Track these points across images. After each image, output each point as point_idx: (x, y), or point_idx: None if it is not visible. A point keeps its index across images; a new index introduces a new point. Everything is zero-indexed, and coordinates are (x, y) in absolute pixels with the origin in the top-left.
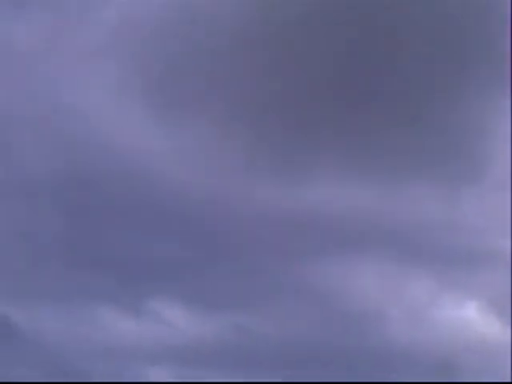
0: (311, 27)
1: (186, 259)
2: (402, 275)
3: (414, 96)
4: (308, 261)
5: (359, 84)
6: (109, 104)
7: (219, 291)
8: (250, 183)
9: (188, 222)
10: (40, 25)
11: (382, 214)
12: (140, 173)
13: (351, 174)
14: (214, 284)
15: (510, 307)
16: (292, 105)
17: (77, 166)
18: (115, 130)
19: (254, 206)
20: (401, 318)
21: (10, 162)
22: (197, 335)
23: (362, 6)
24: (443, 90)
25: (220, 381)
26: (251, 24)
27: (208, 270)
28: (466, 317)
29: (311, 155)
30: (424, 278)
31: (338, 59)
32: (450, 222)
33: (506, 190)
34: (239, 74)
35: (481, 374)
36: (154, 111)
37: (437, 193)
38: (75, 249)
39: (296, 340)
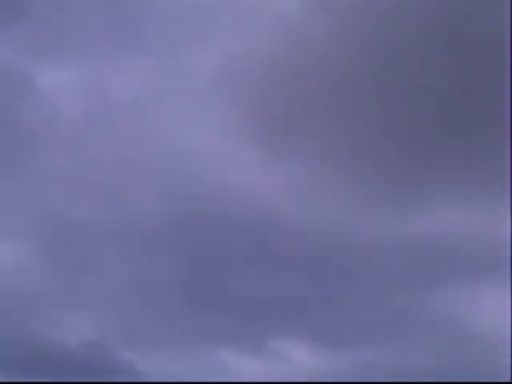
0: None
1: (308, 297)
2: None
3: None
4: (434, 289)
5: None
6: (222, 143)
7: (344, 327)
8: (369, 215)
9: (311, 261)
10: (143, 71)
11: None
12: (258, 214)
13: (476, 198)
14: (338, 321)
15: None
16: (408, 132)
17: (193, 207)
18: (230, 169)
19: (375, 238)
20: None
21: (127, 208)
22: (323, 373)
23: None
24: None
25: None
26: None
27: (332, 307)
28: None
29: (433, 181)
30: None
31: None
32: None
33: None
34: (354, 107)
35: None
36: (261, 149)
37: None
38: (196, 291)
39: (425, 373)
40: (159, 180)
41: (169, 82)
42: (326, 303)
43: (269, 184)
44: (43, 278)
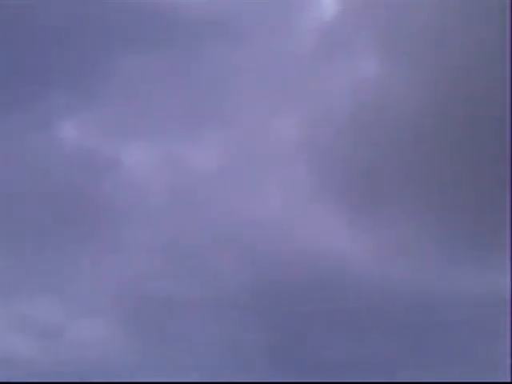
0: None
1: (393, 356)
2: None
3: None
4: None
5: None
6: (299, 209)
7: None
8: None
9: (394, 319)
10: (215, 143)
11: None
12: (337, 278)
13: None
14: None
15: None
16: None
17: (272, 275)
18: (308, 236)
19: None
20: None
21: (209, 280)
22: None
23: None
24: None
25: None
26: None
27: (422, 368)
28: None
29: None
30: None
31: None
32: None
33: None
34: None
35: None
36: (347, 213)
37: None
38: (282, 355)
39: None
40: (242, 250)
41: (249, 151)
42: (415, 364)
43: (355, 248)
44: (129, 352)
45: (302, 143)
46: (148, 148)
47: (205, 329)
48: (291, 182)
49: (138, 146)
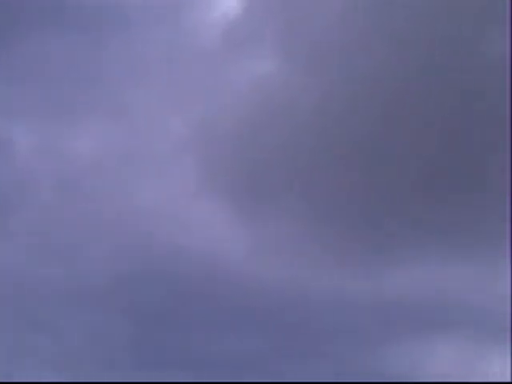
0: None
1: (263, 355)
2: (480, 354)
3: None
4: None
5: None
6: (182, 204)
7: (298, 378)
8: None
9: (269, 317)
10: (102, 134)
11: (463, 292)
12: (219, 274)
13: (435, 256)
14: (294, 372)
15: None
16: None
17: (151, 267)
18: (190, 231)
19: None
20: None
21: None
22: None
23: None
24: None
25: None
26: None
27: (288, 360)
28: None
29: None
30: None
31: None
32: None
33: None
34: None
35: None
36: (231, 211)
37: None
38: (144, 351)
39: None
40: (119, 242)
41: (138, 145)
42: (281, 357)
43: (232, 244)
44: None
45: (192, 140)
46: (33, 131)
47: (71, 321)
48: (177, 178)
49: (21, 129)
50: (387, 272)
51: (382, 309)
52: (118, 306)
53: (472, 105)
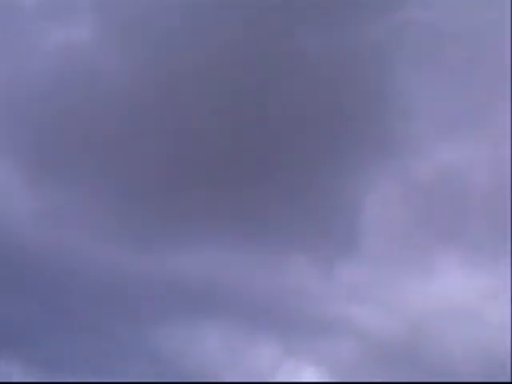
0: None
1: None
2: (248, 341)
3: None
4: (155, 324)
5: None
6: None
7: (64, 355)
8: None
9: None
10: None
11: (233, 279)
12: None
13: (212, 241)
14: (59, 346)
15: None
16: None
17: None
18: None
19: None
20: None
21: None
22: None
23: None
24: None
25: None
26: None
27: (55, 334)
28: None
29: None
30: (269, 344)
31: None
32: (300, 289)
33: None
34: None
35: None
36: (20, 173)
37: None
38: None
39: None
40: None
41: None
42: (48, 330)
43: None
44: None
45: None
46: None
47: None
48: None
49: None
50: (170, 251)
51: (158, 287)
52: None
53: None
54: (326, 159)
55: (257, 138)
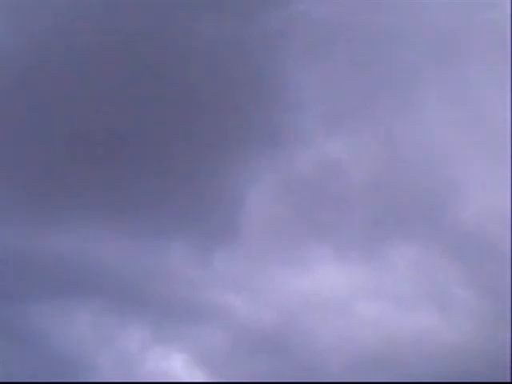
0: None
1: None
2: (117, 325)
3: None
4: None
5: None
6: None
7: None
8: None
9: None
10: None
11: (107, 262)
12: None
13: (88, 222)
14: None
15: None
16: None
17: None
18: None
19: None
20: (110, 368)
21: None
22: None
23: None
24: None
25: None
26: None
27: None
28: (172, 369)
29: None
30: (139, 328)
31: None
32: (176, 274)
33: None
34: None
35: None
36: None
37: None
38: None
39: None
40: None
41: None
42: None
43: None
44: None
45: None
46: None
47: None
48: None
49: None
50: (42, 228)
51: (28, 265)
52: None
53: None
54: (213, 147)
55: (143, 120)
